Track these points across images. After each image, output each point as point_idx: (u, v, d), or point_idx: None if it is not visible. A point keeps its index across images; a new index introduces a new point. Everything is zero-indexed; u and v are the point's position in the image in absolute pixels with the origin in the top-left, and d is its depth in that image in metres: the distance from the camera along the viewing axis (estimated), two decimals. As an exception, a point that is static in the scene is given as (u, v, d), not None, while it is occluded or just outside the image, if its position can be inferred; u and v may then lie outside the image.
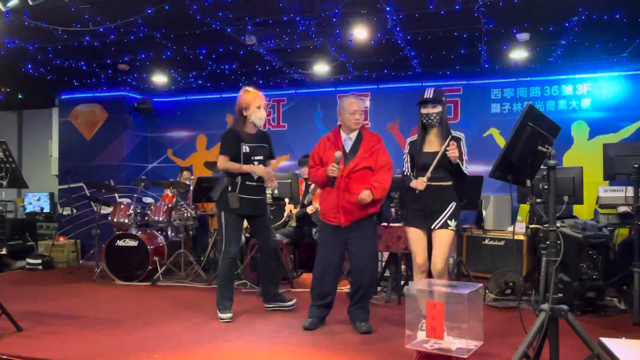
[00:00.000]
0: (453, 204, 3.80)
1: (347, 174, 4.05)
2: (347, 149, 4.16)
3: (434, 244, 3.79)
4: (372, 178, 4.08)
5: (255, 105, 4.50)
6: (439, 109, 3.78)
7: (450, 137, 3.74)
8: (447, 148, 3.63)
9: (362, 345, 3.76)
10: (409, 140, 3.97)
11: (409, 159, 3.93)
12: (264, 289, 4.89)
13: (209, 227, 7.42)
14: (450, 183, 3.80)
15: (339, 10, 5.05)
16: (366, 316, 4.17)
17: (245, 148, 4.51)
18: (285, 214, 6.35)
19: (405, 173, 3.95)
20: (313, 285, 4.27)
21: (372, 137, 4.21)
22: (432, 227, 3.77)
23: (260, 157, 4.61)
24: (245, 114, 4.53)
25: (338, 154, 4.02)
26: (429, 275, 3.87)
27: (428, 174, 3.70)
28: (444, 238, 3.76)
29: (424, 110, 3.80)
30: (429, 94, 3.79)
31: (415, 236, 3.82)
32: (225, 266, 4.50)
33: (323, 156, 4.18)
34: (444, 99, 3.83)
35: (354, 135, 4.18)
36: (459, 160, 3.68)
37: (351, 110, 4.12)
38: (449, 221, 3.76)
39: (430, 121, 3.80)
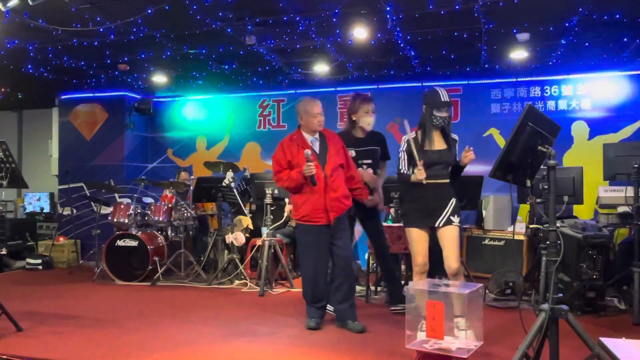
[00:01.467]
0: (453, 200, 3.80)
1: (330, 173, 4.13)
2: (317, 150, 4.22)
3: (442, 243, 3.76)
4: (353, 180, 4.32)
5: (363, 110, 4.59)
6: (448, 111, 3.81)
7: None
8: (466, 152, 3.69)
9: (362, 345, 3.76)
10: (407, 137, 3.90)
11: (406, 157, 3.89)
12: (390, 292, 4.93)
13: (209, 227, 7.41)
14: (447, 180, 3.82)
15: (339, 10, 5.05)
16: (355, 313, 4.19)
17: (352, 152, 4.57)
18: (285, 214, 6.35)
19: (402, 171, 3.91)
20: (306, 290, 4.26)
21: (334, 136, 4.37)
22: (436, 224, 3.75)
23: (369, 161, 4.70)
24: (354, 119, 4.65)
25: (307, 152, 4.07)
26: (429, 275, 3.86)
27: (420, 165, 3.69)
28: (451, 234, 3.74)
29: (437, 113, 3.76)
30: (444, 97, 3.76)
31: (417, 236, 3.80)
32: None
33: (292, 159, 4.20)
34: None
35: (317, 135, 4.28)
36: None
37: (314, 113, 4.19)
38: (452, 217, 3.75)
39: (442, 123, 3.80)
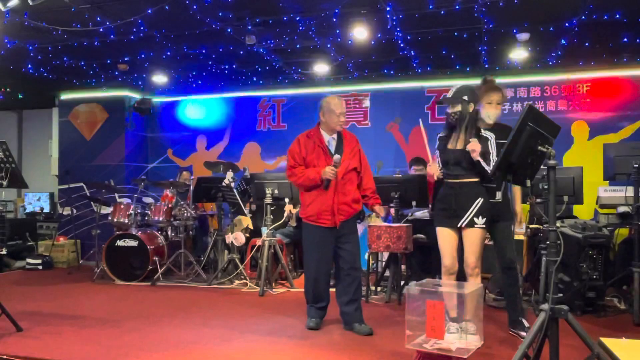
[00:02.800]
0: (480, 200, 3.70)
1: (341, 176, 4.09)
2: (332, 149, 4.17)
3: (464, 243, 3.74)
4: (363, 184, 4.23)
5: (486, 100, 3.99)
6: (457, 108, 3.74)
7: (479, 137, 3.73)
8: (469, 142, 3.63)
9: (362, 345, 3.76)
10: (439, 135, 3.90)
11: (437, 154, 3.86)
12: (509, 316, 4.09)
13: (209, 227, 7.42)
14: (474, 179, 3.72)
15: (339, 10, 5.06)
16: (362, 316, 4.16)
17: None
18: (285, 214, 6.35)
19: None
20: (307, 289, 4.25)
21: (352, 138, 4.29)
22: (459, 225, 3.71)
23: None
24: (476, 108, 4.06)
25: (338, 157, 4.03)
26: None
27: (433, 162, 3.70)
28: (471, 237, 3.69)
29: (447, 110, 3.81)
30: (450, 93, 3.77)
31: (444, 236, 3.76)
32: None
33: (307, 156, 4.16)
34: (466, 97, 3.70)
35: (335, 135, 4.22)
36: (479, 158, 3.57)
37: (339, 112, 4.12)
38: (475, 219, 3.67)
39: (449, 120, 3.79)
